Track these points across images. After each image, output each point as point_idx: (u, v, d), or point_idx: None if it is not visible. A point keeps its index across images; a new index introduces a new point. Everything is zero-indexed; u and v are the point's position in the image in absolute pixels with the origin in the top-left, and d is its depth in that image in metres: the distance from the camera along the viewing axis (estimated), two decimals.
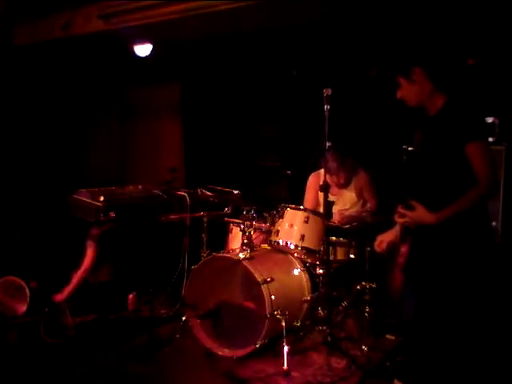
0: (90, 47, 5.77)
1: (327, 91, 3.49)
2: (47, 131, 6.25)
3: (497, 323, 2.95)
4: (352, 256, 4.01)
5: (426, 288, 2.57)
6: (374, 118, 4.81)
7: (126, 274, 4.37)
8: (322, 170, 4.01)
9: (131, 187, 4.68)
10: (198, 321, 3.73)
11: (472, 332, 2.54)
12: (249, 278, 3.54)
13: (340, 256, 4.00)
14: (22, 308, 4.03)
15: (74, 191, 4.31)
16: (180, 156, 6.73)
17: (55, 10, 5.39)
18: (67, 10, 5.32)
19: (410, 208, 2.53)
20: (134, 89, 6.96)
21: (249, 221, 3.88)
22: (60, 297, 4.00)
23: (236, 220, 4.14)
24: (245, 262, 3.57)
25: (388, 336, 3.79)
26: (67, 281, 4.06)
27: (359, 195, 4.34)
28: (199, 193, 4.42)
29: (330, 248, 3.89)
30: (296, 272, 3.88)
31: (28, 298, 4.01)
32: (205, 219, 4.17)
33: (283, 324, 3.45)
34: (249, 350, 3.48)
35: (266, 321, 3.40)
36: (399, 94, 2.65)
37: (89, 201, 4.15)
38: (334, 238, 3.96)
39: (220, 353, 3.59)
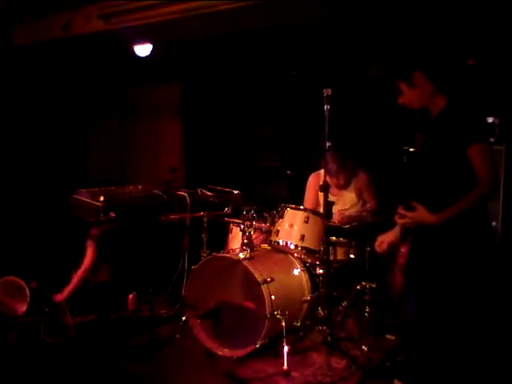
0: (90, 47, 5.77)
1: (327, 91, 3.49)
2: (47, 131, 6.25)
3: (497, 323, 2.94)
4: (352, 256, 4.01)
5: (425, 288, 2.57)
6: (375, 117, 4.81)
7: (126, 274, 4.37)
8: (322, 170, 4.01)
9: (131, 187, 4.69)
10: (198, 321, 3.73)
11: (472, 332, 2.54)
12: (249, 278, 3.54)
13: (340, 256, 4.00)
14: (22, 308, 4.03)
15: (74, 191, 4.31)
16: (180, 156, 6.73)
17: (55, 10, 5.39)
18: (67, 10, 5.32)
19: (411, 209, 2.53)
20: (134, 89, 6.96)
21: (249, 221, 3.88)
22: (60, 297, 4.00)
23: (236, 220, 4.14)
24: (245, 262, 3.57)
25: (388, 336, 3.79)
26: (67, 281, 4.06)
27: (359, 196, 4.34)
28: (199, 193, 4.42)
29: (330, 248, 3.89)
30: (296, 272, 3.88)
31: (28, 298, 4.01)
32: (205, 219, 4.17)
33: (283, 324, 3.45)
34: (249, 350, 3.48)
35: (266, 321, 3.40)
36: (401, 100, 2.65)
37: (89, 201, 4.15)
38: (334, 238, 3.96)
39: (220, 353, 3.59)
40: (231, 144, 6.22)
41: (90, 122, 7.02)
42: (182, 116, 6.69)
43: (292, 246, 3.82)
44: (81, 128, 6.90)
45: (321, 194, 3.76)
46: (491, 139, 3.86)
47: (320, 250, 3.76)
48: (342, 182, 4.27)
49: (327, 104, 3.50)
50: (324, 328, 3.66)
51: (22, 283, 4.05)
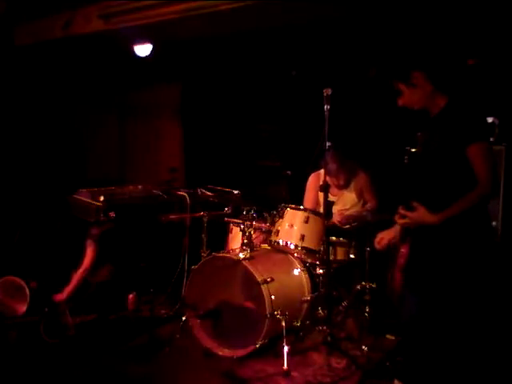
0: (90, 47, 5.77)
1: (327, 91, 3.49)
2: (47, 131, 6.25)
3: (497, 323, 2.95)
4: (352, 256, 4.01)
5: (425, 288, 2.57)
6: (375, 117, 4.81)
7: (126, 274, 4.37)
8: (322, 170, 4.01)
9: (131, 187, 4.68)
10: (198, 321, 3.73)
11: (472, 332, 2.54)
12: (249, 277, 3.54)
13: (340, 256, 4.00)
14: (22, 308, 4.03)
15: (74, 191, 4.31)
16: (180, 156, 6.73)
17: (55, 10, 5.39)
18: (67, 10, 5.32)
19: (411, 209, 2.53)
20: (134, 89, 6.95)
21: (249, 221, 3.88)
22: (60, 297, 3.99)
23: (236, 220, 4.14)
24: (245, 262, 3.57)
25: (388, 336, 3.79)
26: (67, 281, 4.05)
27: (359, 196, 4.34)
28: (199, 193, 4.42)
29: (330, 248, 3.89)
30: (296, 272, 3.88)
31: (28, 298, 4.00)
32: (205, 219, 4.17)
33: (283, 324, 3.45)
34: (249, 350, 3.48)
35: (266, 321, 3.40)
36: (401, 101, 2.65)
37: (89, 201, 4.14)
38: (334, 237, 3.96)
39: (220, 353, 3.59)
40: (231, 144, 6.21)
41: (90, 122, 7.02)
42: (182, 116, 6.69)
43: (292, 246, 3.83)
44: (81, 128, 6.90)
45: (321, 194, 3.77)
46: (491, 139, 3.87)
47: (320, 249, 3.76)
48: (341, 182, 4.27)
49: (327, 104, 3.50)
50: (324, 328, 3.65)
51: (22, 283, 4.05)
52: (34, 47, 5.75)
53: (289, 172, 4.66)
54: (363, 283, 3.90)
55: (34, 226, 4.60)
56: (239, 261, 3.59)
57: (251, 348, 3.47)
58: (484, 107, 3.00)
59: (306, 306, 3.81)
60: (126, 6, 4.77)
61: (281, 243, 3.86)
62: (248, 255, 3.65)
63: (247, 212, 3.93)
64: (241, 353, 3.51)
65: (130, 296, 4.36)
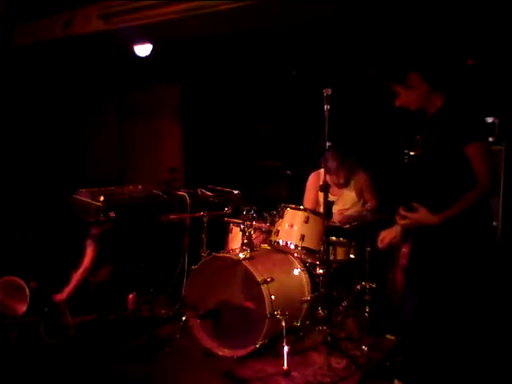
0: (90, 47, 5.77)
1: (327, 91, 3.49)
2: (47, 131, 6.25)
3: (497, 323, 2.95)
4: (352, 256, 4.00)
5: (426, 288, 2.57)
6: (375, 118, 4.81)
7: (125, 274, 4.37)
8: (322, 170, 4.01)
9: (131, 187, 4.68)
10: (198, 321, 3.73)
11: (472, 332, 2.54)
12: (249, 277, 3.54)
13: (340, 256, 4.00)
14: (22, 308, 4.03)
15: (74, 191, 4.31)
16: (180, 156, 6.73)
17: (55, 10, 5.39)
18: (67, 10, 5.32)
19: (412, 209, 2.53)
20: (134, 89, 6.96)
21: (249, 221, 3.88)
22: (60, 297, 3.99)
23: (236, 220, 4.14)
24: (245, 262, 3.57)
25: (388, 336, 3.79)
26: (67, 281, 4.05)
27: (359, 195, 4.34)
28: (199, 193, 4.42)
29: (330, 248, 3.89)
30: (296, 272, 3.88)
31: (28, 298, 4.00)
32: (205, 219, 4.17)
33: (283, 324, 3.45)
34: (249, 350, 3.48)
35: (266, 321, 3.40)
36: (398, 102, 2.65)
37: (89, 201, 4.14)
38: (334, 238, 3.96)
39: (220, 353, 3.59)
40: (231, 144, 6.22)
41: (90, 122, 7.02)
42: (182, 116, 6.69)
43: (292, 246, 3.83)
44: (81, 128, 6.90)
45: (321, 194, 3.76)
46: (491, 139, 3.87)
47: (320, 249, 3.76)
48: (341, 181, 4.27)
49: (327, 104, 3.50)
50: (324, 328, 3.65)
51: (22, 283, 4.05)
52: (34, 47, 5.76)
53: (289, 172, 4.66)
54: (363, 283, 3.90)
55: (33, 226, 4.60)
56: (239, 261, 3.59)
57: (251, 348, 3.47)
58: (482, 106, 3.00)
59: (306, 306, 3.81)
60: (125, 5, 4.77)
61: (281, 243, 3.86)
62: (248, 255, 3.65)
63: (247, 212, 3.93)
64: (241, 353, 3.51)
65: (130, 296, 4.36)
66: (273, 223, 3.97)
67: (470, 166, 2.43)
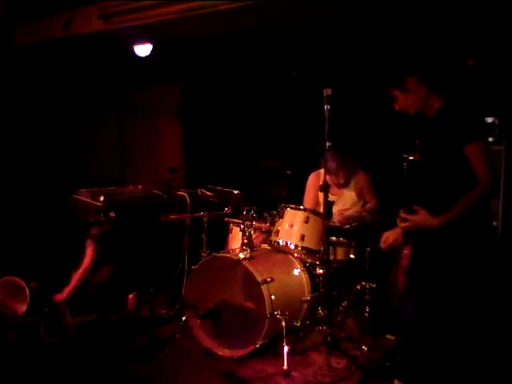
0: (90, 47, 5.77)
1: (327, 91, 3.49)
2: (47, 131, 6.25)
3: (497, 323, 2.94)
4: (352, 256, 4.01)
5: (427, 289, 2.57)
6: (375, 118, 4.81)
7: (125, 274, 4.37)
8: (322, 170, 4.01)
9: (131, 187, 4.68)
10: (198, 321, 3.73)
11: (472, 332, 2.54)
12: (249, 277, 3.54)
13: (340, 256, 4.00)
14: (22, 308, 4.03)
15: (74, 191, 4.31)
16: (180, 156, 6.73)
17: (55, 10, 5.40)
18: (67, 10, 5.32)
19: (412, 212, 2.52)
20: (134, 89, 6.96)
21: (249, 221, 3.88)
22: (60, 297, 3.99)
23: (236, 220, 4.14)
24: (245, 262, 3.57)
25: (388, 336, 3.79)
26: (67, 281, 4.05)
27: (359, 195, 4.34)
28: (199, 193, 4.42)
29: (330, 248, 3.89)
30: (296, 272, 3.88)
31: (28, 298, 4.00)
32: (205, 219, 4.16)
33: (283, 324, 3.45)
34: (249, 350, 3.48)
35: (266, 321, 3.40)
36: (397, 107, 2.64)
37: (89, 201, 4.14)
38: (334, 238, 3.96)
39: (220, 353, 3.59)
40: (231, 144, 6.22)
41: (90, 122, 7.02)
42: (182, 116, 6.69)
43: (292, 246, 3.83)
44: (81, 128, 6.90)
45: (321, 194, 3.76)
46: (491, 139, 3.87)
47: (320, 249, 3.76)
48: (341, 181, 4.27)
49: (327, 104, 3.50)
50: (324, 328, 3.65)
51: (22, 283, 4.05)
52: (34, 47, 5.76)
53: (289, 172, 4.66)
54: (363, 283, 3.90)
55: (33, 226, 4.60)
56: (239, 261, 3.59)
57: (251, 348, 3.47)
58: (481, 106, 3.00)
59: (306, 306, 3.81)
60: (125, 5, 4.77)
61: (281, 243, 3.86)
62: (248, 255, 3.65)
63: (247, 212, 3.93)
64: (241, 353, 3.51)
65: (130, 296, 4.36)
66: (273, 223, 3.97)
67: (470, 167, 2.42)
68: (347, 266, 4.04)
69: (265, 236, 4.16)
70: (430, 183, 2.58)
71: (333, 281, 3.90)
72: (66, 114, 6.62)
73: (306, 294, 3.83)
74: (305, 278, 3.88)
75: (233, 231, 4.36)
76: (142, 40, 5.53)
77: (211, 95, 6.22)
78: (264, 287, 3.46)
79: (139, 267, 4.41)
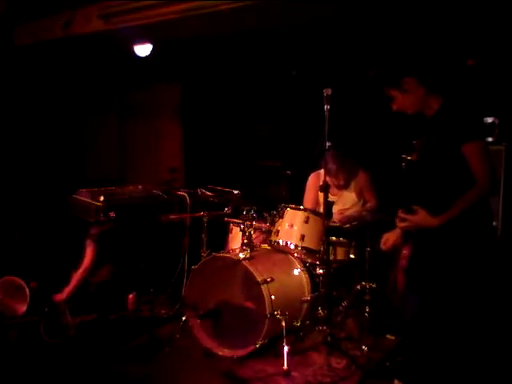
0: (90, 47, 5.78)
1: (327, 91, 3.49)
2: (47, 131, 6.25)
3: (497, 323, 2.95)
4: (352, 256, 4.01)
5: (427, 288, 2.57)
6: (375, 117, 4.81)
7: (125, 273, 4.37)
8: (322, 170, 4.01)
9: (131, 187, 4.68)
10: (198, 321, 3.73)
11: (472, 332, 2.54)
12: (249, 277, 3.54)
13: (340, 256, 4.00)
14: (22, 308, 4.03)
15: (74, 191, 4.31)
16: (180, 156, 6.73)
17: (55, 10, 5.40)
18: (67, 10, 5.32)
19: (411, 212, 2.52)
20: (134, 89, 6.96)
21: (249, 221, 3.88)
22: (60, 297, 3.99)
23: (236, 220, 4.14)
24: (245, 262, 3.57)
25: (388, 336, 3.79)
26: (67, 281, 4.05)
27: (359, 195, 4.34)
28: (199, 193, 4.42)
29: (330, 248, 3.89)
30: (296, 272, 3.88)
31: (28, 298, 4.01)
32: (205, 219, 4.17)
33: (283, 324, 3.45)
34: (249, 350, 3.48)
35: (266, 321, 3.40)
36: (395, 107, 2.64)
37: (89, 201, 4.14)
38: (334, 238, 3.96)
39: (220, 353, 3.59)
40: (231, 144, 6.22)
41: (90, 122, 7.02)
42: (182, 116, 6.69)
43: (292, 246, 3.83)
44: (81, 128, 6.90)
45: (321, 194, 3.76)
46: (491, 139, 3.87)
47: (320, 249, 3.76)
48: (341, 182, 4.27)
49: (327, 104, 3.50)
50: (324, 328, 3.65)
51: (22, 283, 4.05)
52: (34, 47, 5.76)
53: (289, 172, 4.66)
54: (363, 283, 3.90)
55: (33, 227, 4.60)
56: (239, 261, 3.59)
57: (251, 348, 3.47)
58: (480, 106, 3.00)
59: (306, 305, 3.81)
60: (125, 5, 4.77)
61: (281, 243, 3.86)
62: (248, 255, 3.65)
63: (247, 212, 3.93)
64: (241, 353, 3.51)
65: (130, 296, 4.35)
66: (273, 223, 3.97)
67: (468, 167, 2.42)
68: (347, 265, 4.04)
69: (265, 236, 4.16)
70: (429, 183, 2.58)
71: (333, 281, 3.90)
72: (66, 114, 6.62)
73: (306, 293, 3.83)
74: (305, 278, 3.88)
75: (233, 231, 4.36)
76: (142, 40, 5.53)
77: (211, 95, 6.22)
78: (264, 287, 3.46)
79: (139, 267, 4.41)
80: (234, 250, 3.95)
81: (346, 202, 4.33)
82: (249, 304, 3.61)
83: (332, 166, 4.10)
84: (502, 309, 3.10)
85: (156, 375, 3.39)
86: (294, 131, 5.62)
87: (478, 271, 2.49)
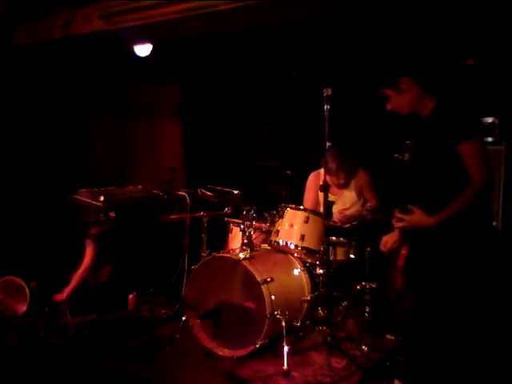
0: (90, 47, 5.78)
1: (327, 91, 3.49)
2: (47, 131, 6.26)
3: (497, 323, 2.94)
4: (352, 256, 4.00)
5: (425, 288, 2.57)
6: (375, 118, 4.81)
7: (125, 274, 4.37)
8: (322, 170, 4.01)
9: (131, 187, 4.69)
10: (198, 321, 3.73)
11: (472, 332, 2.54)
12: (249, 278, 3.54)
13: (340, 256, 3.99)
14: (22, 308, 4.03)
15: (74, 191, 4.31)
16: (180, 156, 6.73)
17: (55, 10, 5.40)
18: (67, 10, 5.33)
19: (407, 212, 2.52)
20: (134, 89, 6.96)
21: (249, 221, 3.88)
22: (60, 297, 3.99)
23: (236, 220, 4.14)
24: (245, 262, 3.57)
25: (388, 336, 3.79)
26: (67, 281, 4.06)
27: (359, 194, 4.34)
28: (199, 193, 4.42)
29: (330, 248, 3.88)
30: (296, 272, 3.88)
31: (28, 298, 4.01)
32: (205, 219, 4.17)
33: (283, 324, 3.45)
34: (249, 349, 3.48)
35: (266, 321, 3.40)
36: (389, 106, 2.63)
37: (89, 201, 4.15)
38: (334, 238, 3.96)
39: (220, 353, 3.59)
40: (231, 144, 6.22)
41: (90, 122, 7.03)
42: (182, 116, 6.70)
43: (292, 246, 3.82)
44: (81, 128, 6.90)
45: (321, 194, 3.76)
46: (490, 139, 3.87)
47: (320, 249, 3.76)
48: (342, 181, 4.27)
49: (327, 104, 3.50)
50: (324, 328, 3.65)
51: (22, 283, 4.05)
52: (34, 47, 5.76)
53: (289, 172, 4.66)
54: (363, 283, 3.90)
55: (33, 227, 4.61)
56: (239, 261, 3.59)
57: (251, 348, 3.46)
58: (476, 105, 2.98)
59: (306, 305, 3.81)
60: (125, 5, 4.77)
61: (281, 243, 3.86)
62: (248, 255, 3.65)
63: (247, 212, 3.93)
64: (241, 353, 3.51)
65: (130, 296, 4.35)
66: (273, 223, 3.97)
67: (464, 166, 2.42)
68: (347, 266, 4.04)
69: (265, 236, 4.16)
70: (425, 183, 2.57)
71: (333, 281, 3.90)
72: (66, 114, 6.62)
73: (306, 293, 3.83)
74: (305, 278, 3.88)
75: (233, 231, 4.36)
76: (142, 40, 5.53)
77: (211, 95, 6.22)
78: (264, 287, 3.46)
79: (139, 267, 4.41)
80: (233, 250, 3.94)
81: (346, 202, 4.33)
82: (249, 304, 3.62)
83: (332, 165, 4.10)
84: (501, 309, 3.10)
85: (156, 375, 3.39)
86: (294, 131, 5.62)
87: (476, 271, 2.49)
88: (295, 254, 3.95)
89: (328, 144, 3.52)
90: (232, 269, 3.65)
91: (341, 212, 4.22)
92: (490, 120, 3.90)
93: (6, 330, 3.91)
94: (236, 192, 4.31)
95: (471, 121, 2.52)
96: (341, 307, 3.95)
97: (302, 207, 4.01)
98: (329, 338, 3.60)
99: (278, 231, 3.89)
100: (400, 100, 2.59)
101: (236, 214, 4.21)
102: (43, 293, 4.03)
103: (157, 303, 4.43)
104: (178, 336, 3.76)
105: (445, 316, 2.53)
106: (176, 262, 4.43)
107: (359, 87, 4.68)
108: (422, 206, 2.49)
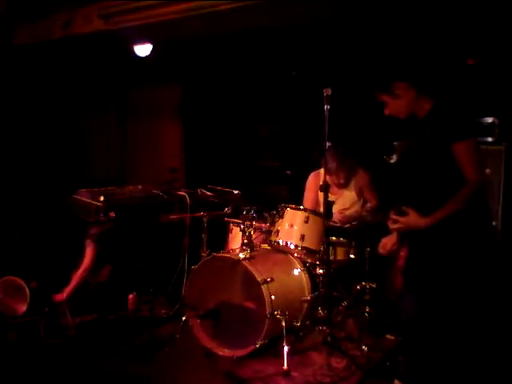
0: (90, 47, 5.78)
1: (327, 91, 3.49)
2: (47, 131, 6.25)
3: (497, 323, 2.94)
4: (352, 256, 4.00)
5: (425, 288, 2.57)
6: (374, 117, 4.80)
7: (125, 273, 4.37)
8: (322, 170, 4.01)
9: (131, 187, 4.69)
10: (198, 321, 3.73)
11: (472, 332, 2.54)
12: (249, 278, 3.54)
13: (340, 256, 3.99)
14: (22, 308, 4.03)
15: (74, 191, 4.32)
16: (180, 156, 6.74)
17: (55, 10, 5.40)
18: (67, 10, 5.32)
19: (402, 213, 2.52)
20: (134, 89, 6.97)
21: (249, 221, 3.88)
22: (60, 297, 3.99)
23: (236, 220, 4.14)
24: (245, 262, 3.57)
25: (388, 336, 3.79)
26: (67, 281, 4.06)
27: (359, 194, 4.34)
28: (199, 193, 4.43)
29: (330, 248, 3.88)
30: (296, 272, 3.88)
31: (28, 298, 4.01)
32: (205, 219, 4.16)
33: (283, 324, 3.45)
34: (249, 349, 3.48)
35: (266, 321, 3.40)
36: (387, 111, 2.64)
37: (89, 201, 4.15)
38: (334, 238, 3.96)
39: (220, 353, 3.59)
40: (231, 144, 6.22)
41: (90, 122, 7.02)
42: (182, 116, 6.70)
43: (292, 246, 3.82)
44: (81, 128, 6.90)
45: (321, 194, 3.76)
46: (490, 139, 3.87)
47: (320, 249, 3.76)
48: (341, 181, 4.27)
49: (327, 104, 3.50)
50: (324, 328, 3.65)
51: (22, 283, 4.05)
52: (34, 47, 5.76)
53: (289, 172, 4.66)
54: (363, 283, 3.90)
55: (33, 227, 4.61)
56: (239, 261, 3.59)
57: (251, 348, 3.47)
58: (471, 105, 2.98)
59: (306, 305, 3.81)
60: (125, 5, 4.77)
61: (281, 243, 3.86)
62: (248, 255, 3.65)
63: (247, 212, 3.92)
64: (241, 353, 3.51)
65: (130, 296, 4.36)
66: (273, 223, 3.97)
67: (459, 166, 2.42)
68: (347, 266, 4.04)
69: (265, 236, 4.16)
70: (420, 184, 2.57)
71: (333, 281, 3.90)
72: (66, 114, 6.62)
73: (306, 293, 3.83)
74: (305, 278, 3.88)
75: (233, 231, 4.36)
76: (142, 40, 5.53)
77: (211, 95, 6.22)
78: (264, 287, 3.46)
79: (139, 267, 4.41)
80: (233, 250, 3.94)
81: (346, 202, 4.33)
82: (249, 304, 3.62)
83: (332, 164, 4.10)
84: (501, 308, 3.09)
85: (156, 375, 3.39)
86: (294, 131, 5.62)
87: (476, 271, 2.49)
88: (295, 254, 3.95)
89: (328, 144, 3.52)
90: (232, 269, 3.65)
91: (341, 212, 4.23)
92: (489, 120, 3.90)
93: (6, 330, 3.91)
94: (236, 192, 4.31)
95: (465, 121, 2.52)
96: (341, 307, 3.95)
97: (301, 207, 4.01)
98: (329, 338, 3.60)
99: (277, 231, 3.89)
100: (397, 105, 2.60)
101: (236, 214, 4.21)
102: (43, 293, 4.03)
103: (157, 303, 4.43)
104: (178, 336, 3.76)
105: (444, 316, 2.53)
106: (176, 262, 4.43)
107: (359, 87, 4.71)
108: (418, 206, 2.49)
